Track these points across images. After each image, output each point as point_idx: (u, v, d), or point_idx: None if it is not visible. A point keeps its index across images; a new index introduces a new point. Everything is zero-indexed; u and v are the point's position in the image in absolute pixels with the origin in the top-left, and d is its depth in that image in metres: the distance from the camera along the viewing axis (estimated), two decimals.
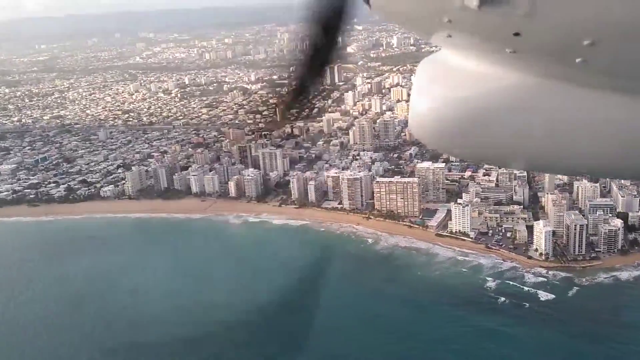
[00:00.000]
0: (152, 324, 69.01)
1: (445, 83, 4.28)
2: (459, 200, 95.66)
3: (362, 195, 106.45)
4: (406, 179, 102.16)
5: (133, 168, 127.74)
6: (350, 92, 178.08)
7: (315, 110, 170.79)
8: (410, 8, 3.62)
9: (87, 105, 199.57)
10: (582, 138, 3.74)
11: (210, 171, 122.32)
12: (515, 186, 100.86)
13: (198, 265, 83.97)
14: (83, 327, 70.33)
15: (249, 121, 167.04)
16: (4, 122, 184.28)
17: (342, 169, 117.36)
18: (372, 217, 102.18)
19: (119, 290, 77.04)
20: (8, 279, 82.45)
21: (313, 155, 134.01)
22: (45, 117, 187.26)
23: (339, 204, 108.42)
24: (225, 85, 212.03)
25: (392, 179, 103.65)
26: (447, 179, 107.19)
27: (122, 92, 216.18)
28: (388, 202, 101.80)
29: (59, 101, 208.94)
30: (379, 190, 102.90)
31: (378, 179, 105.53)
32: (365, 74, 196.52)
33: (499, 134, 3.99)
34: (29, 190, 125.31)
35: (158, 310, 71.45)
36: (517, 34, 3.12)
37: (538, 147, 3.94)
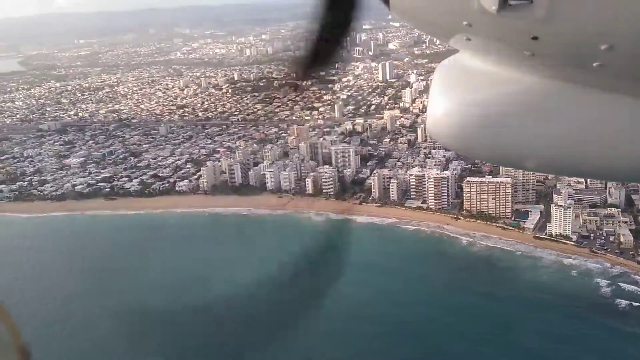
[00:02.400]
0: None
1: (463, 85, 4.23)
2: (559, 202, 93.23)
3: (448, 195, 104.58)
4: (498, 179, 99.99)
5: (208, 163, 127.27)
6: (407, 89, 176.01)
7: (373, 107, 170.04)
8: (429, 11, 3.55)
9: (140, 100, 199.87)
10: (600, 141, 3.72)
11: (285, 168, 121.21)
12: (610, 188, 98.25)
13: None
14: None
15: (306, 117, 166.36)
16: (61, 115, 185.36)
17: (417, 167, 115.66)
18: (461, 217, 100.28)
19: (234, 283, 75.60)
20: (116, 270, 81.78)
21: (383, 153, 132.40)
22: (101, 111, 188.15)
23: (422, 203, 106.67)
24: (275, 82, 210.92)
25: (483, 179, 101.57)
26: None
27: (172, 87, 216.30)
28: (478, 203, 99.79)
29: (110, 95, 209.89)
30: (469, 189, 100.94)
31: (468, 178, 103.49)
32: (415, 71, 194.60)
33: (516, 137, 3.96)
34: (102, 183, 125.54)
35: None
36: (535, 38, 3.13)
37: (555, 150, 3.90)
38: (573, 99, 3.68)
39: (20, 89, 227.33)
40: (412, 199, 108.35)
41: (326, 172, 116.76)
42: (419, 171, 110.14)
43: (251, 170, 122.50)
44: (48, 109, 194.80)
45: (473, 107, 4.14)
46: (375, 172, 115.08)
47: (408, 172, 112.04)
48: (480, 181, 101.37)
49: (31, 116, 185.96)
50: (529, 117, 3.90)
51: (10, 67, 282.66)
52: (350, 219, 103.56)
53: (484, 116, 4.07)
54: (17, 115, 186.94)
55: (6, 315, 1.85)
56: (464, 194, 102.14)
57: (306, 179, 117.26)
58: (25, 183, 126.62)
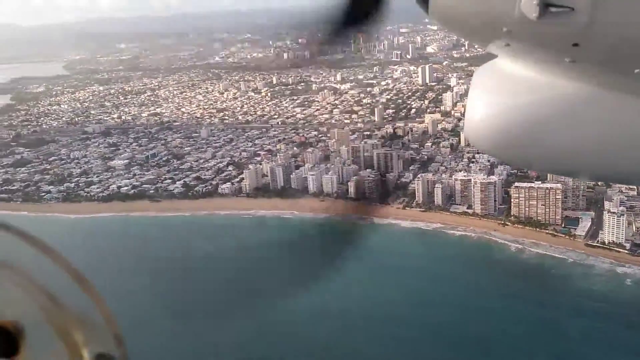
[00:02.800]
0: None
1: (501, 91, 4.22)
2: (611, 209, 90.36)
3: (495, 200, 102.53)
4: (547, 185, 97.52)
5: (250, 166, 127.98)
6: (448, 92, 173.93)
7: (413, 110, 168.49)
8: (468, 17, 3.54)
9: (180, 104, 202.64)
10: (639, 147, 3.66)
11: (328, 171, 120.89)
12: None
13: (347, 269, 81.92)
14: None
15: (346, 121, 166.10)
16: (105, 118, 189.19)
17: (462, 172, 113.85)
18: (508, 223, 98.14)
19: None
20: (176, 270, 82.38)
21: (425, 157, 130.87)
22: (143, 115, 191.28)
23: (467, 208, 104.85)
24: (314, 85, 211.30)
25: (532, 184, 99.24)
26: None
27: (212, 90, 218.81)
28: (527, 209, 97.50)
29: (152, 99, 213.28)
30: (517, 195, 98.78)
31: (517, 184, 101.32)
32: (455, 74, 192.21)
33: (555, 142, 3.94)
34: (147, 185, 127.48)
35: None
36: (576, 45, 3.13)
37: (594, 156, 3.87)
38: (613, 105, 3.62)
39: (65, 92, 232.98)
40: (457, 204, 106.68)
41: (369, 176, 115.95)
42: (465, 176, 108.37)
43: (293, 173, 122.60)
44: (92, 112, 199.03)
45: (512, 113, 4.07)
46: (419, 176, 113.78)
47: (453, 176, 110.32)
48: (529, 187, 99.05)
49: (76, 119, 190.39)
50: (568, 123, 3.85)
51: (55, 72, 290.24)
52: (394, 223, 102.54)
53: (523, 121, 4.00)
54: (63, 118, 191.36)
55: (99, 298, 1.90)
56: (512, 200, 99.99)
57: (348, 183, 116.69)
58: (73, 184, 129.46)
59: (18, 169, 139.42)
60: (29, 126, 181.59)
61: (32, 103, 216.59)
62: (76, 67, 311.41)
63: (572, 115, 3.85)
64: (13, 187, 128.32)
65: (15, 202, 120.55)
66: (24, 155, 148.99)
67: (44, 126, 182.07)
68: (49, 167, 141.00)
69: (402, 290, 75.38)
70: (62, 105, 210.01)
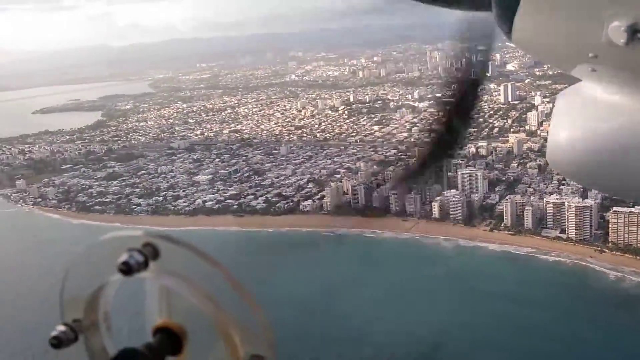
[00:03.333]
0: None
1: (586, 115, 4.19)
2: None
3: (590, 225, 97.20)
4: None
5: (331, 184, 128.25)
6: (532, 111, 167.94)
7: (496, 129, 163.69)
8: (552, 43, 3.54)
9: (260, 121, 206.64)
10: None
11: (410, 191, 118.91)
12: None
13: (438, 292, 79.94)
14: None
15: (426, 140, 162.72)
16: (189, 135, 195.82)
17: (554, 195, 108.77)
18: (606, 250, 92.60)
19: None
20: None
21: (511, 178, 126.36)
22: (224, 131, 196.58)
23: (560, 233, 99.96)
24: (391, 103, 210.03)
25: (632, 209, 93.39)
26: None
27: (290, 108, 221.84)
28: (626, 235, 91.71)
29: (232, 116, 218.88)
30: (615, 220, 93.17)
31: (615, 208, 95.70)
32: (539, 93, 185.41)
33: None
34: (230, 200, 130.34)
35: None
36: None
37: None
38: None
39: (151, 109, 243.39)
40: (549, 228, 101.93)
41: (454, 197, 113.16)
42: (557, 198, 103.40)
43: (375, 192, 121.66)
44: (177, 128, 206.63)
45: (597, 137, 3.95)
46: (507, 197, 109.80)
47: (544, 199, 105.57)
48: (629, 212, 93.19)
49: (162, 135, 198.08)
50: None
51: (142, 90, 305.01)
52: (481, 247, 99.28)
53: (609, 147, 3.87)
54: (150, 134, 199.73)
55: (256, 306, 2.06)
56: (610, 225, 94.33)
57: (432, 203, 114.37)
58: (161, 198, 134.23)
59: (110, 182, 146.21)
60: (118, 141, 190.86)
61: (121, 119, 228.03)
62: (161, 86, 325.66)
63: None
64: (106, 200, 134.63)
65: (109, 214, 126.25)
66: (115, 169, 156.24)
67: (133, 141, 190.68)
68: (138, 180, 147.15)
69: (499, 316, 72.38)
70: (148, 122, 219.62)
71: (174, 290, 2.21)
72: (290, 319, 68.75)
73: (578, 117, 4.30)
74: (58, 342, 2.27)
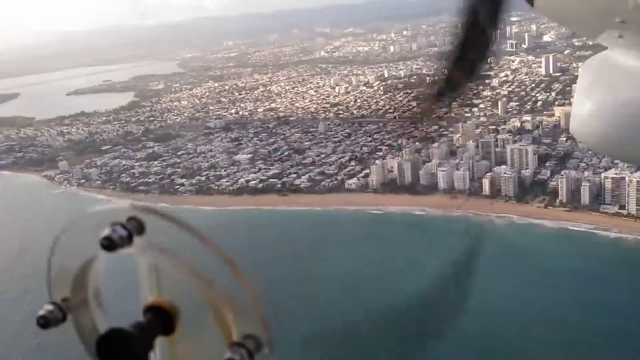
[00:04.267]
0: None
1: (613, 84, 4.08)
2: None
3: None
4: None
5: (377, 162, 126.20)
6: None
7: (539, 103, 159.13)
8: (577, 8, 3.41)
9: (294, 99, 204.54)
10: None
11: (460, 167, 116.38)
12: None
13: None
14: None
15: (466, 114, 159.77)
16: (224, 114, 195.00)
17: (613, 169, 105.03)
18: None
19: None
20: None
21: (562, 153, 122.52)
22: (259, 110, 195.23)
23: (619, 209, 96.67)
24: (427, 78, 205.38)
25: None
26: None
27: (323, 85, 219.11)
28: None
29: (265, 94, 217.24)
30: None
31: None
32: (581, 64, 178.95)
33: None
34: (273, 180, 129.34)
35: None
36: None
37: None
38: None
39: (183, 89, 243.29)
40: (607, 204, 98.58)
41: (505, 173, 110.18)
42: (617, 173, 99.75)
43: (422, 169, 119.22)
44: (211, 107, 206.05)
45: (625, 107, 3.81)
46: (562, 173, 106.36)
47: (602, 174, 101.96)
48: None
49: (197, 114, 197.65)
50: None
51: (171, 69, 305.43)
52: (537, 224, 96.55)
53: (634, 116, 3.71)
54: (185, 114, 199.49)
55: (249, 283, 2.02)
56: None
57: (483, 180, 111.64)
58: (203, 177, 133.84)
59: (151, 162, 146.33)
60: (154, 121, 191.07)
61: (154, 99, 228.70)
62: (190, 65, 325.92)
63: None
64: (149, 180, 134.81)
65: (153, 195, 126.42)
66: (154, 149, 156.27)
67: (168, 121, 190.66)
68: (178, 160, 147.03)
69: (570, 293, 70.30)
70: (182, 102, 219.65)
71: (161, 267, 2.15)
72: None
73: (605, 86, 4.12)
74: (45, 322, 2.19)
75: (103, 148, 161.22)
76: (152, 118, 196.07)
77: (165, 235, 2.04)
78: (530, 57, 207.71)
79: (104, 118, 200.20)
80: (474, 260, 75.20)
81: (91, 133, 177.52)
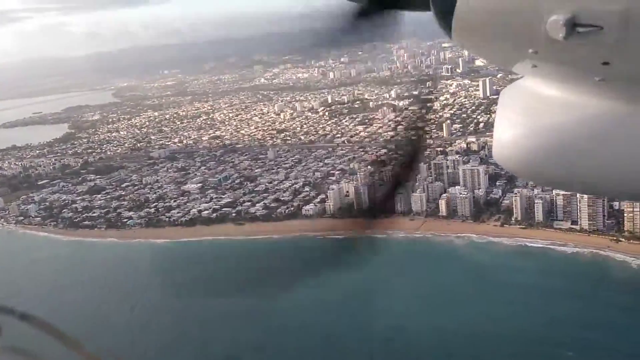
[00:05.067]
0: None
1: (529, 111, 4.21)
2: None
3: (603, 215, 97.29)
4: None
5: (333, 187, 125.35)
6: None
7: (481, 124, 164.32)
8: (492, 40, 3.53)
9: (238, 126, 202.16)
10: None
11: (416, 189, 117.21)
12: None
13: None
14: None
15: (413, 138, 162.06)
16: (167, 143, 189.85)
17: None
18: (622, 239, 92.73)
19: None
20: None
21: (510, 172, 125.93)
22: (204, 138, 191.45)
23: (572, 224, 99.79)
24: (371, 103, 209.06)
25: None
26: None
27: (267, 112, 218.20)
28: None
29: (208, 123, 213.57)
30: (631, 209, 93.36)
31: None
32: None
33: (586, 162, 3.91)
34: (227, 208, 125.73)
35: None
36: (606, 63, 3.07)
37: (627, 175, 3.83)
38: None
39: (121, 119, 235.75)
40: (560, 220, 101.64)
41: (460, 193, 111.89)
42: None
43: (379, 192, 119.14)
44: (153, 137, 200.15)
45: (541, 133, 3.98)
46: (516, 191, 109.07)
47: (554, 191, 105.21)
48: None
49: (138, 145, 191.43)
50: (599, 142, 3.75)
51: (106, 99, 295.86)
52: (496, 242, 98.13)
53: (553, 142, 3.90)
54: (125, 144, 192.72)
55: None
56: (625, 214, 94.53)
57: (439, 201, 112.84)
58: (152, 209, 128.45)
59: (94, 195, 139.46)
60: (93, 153, 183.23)
61: (91, 131, 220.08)
62: (125, 94, 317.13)
63: (604, 134, 3.70)
64: (94, 215, 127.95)
65: (100, 229, 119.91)
66: (96, 182, 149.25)
67: (108, 153, 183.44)
68: (124, 193, 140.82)
69: (541, 308, 71.19)
70: (120, 132, 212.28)
71: None
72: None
73: (521, 114, 4.18)
74: None
75: (39, 182, 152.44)
76: (90, 150, 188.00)
77: (23, 335, 1.81)
78: (466, 81, 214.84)
79: (38, 151, 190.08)
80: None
81: (25, 167, 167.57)
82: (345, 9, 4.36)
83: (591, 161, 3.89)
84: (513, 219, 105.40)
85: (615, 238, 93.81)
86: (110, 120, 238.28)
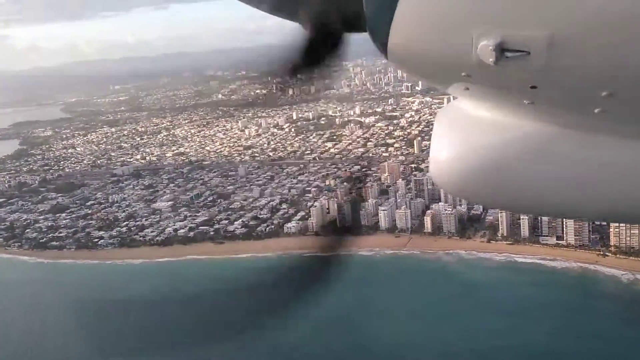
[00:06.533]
0: None
1: (463, 132, 4.31)
2: None
3: (589, 230, 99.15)
4: None
5: (316, 204, 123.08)
6: None
7: None
8: (426, 62, 3.61)
9: (202, 142, 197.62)
10: (603, 184, 3.80)
11: (401, 206, 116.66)
12: None
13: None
14: None
15: (384, 154, 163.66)
16: (129, 160, 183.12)
17: None
18: (609, 254, 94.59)
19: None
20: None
21: None
22: (168, 154, 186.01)
23: (557, 239, 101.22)
24: (337, 119, 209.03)
25: None
26: None
27: (231, 128, 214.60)
28: (628, 238, 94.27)
29: (170, 139, 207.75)
30: (617, 224, 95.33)
31: None
32: None
33: (518, 182, 4.04)
34: (203, 227, 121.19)
35: None
36: (534, 87, 3.20)
37: (555, 193, 3.98)
38: (574, 143, 3.66)
39: (75, 135, 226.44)
40: (545, 236, 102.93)
41: (445, 210, 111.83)
42: None
43: (362, 209, 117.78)
44: (112, 153, 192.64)
45: (475, 154, 4.08)
46: None
47: None
48: None
49: (98, 161, 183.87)
50: (530, 162, 3.89)
51: (56, 115, 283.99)
52: (485, 258, 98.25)
53: (486, 162, 4.01)
54: (84, 161, 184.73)
55: None
56: (611, 230, 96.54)
57: (424, 217, 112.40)
58: (124, 229, 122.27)
59: (58, 214, 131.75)
60: (50, 170, 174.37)
61: (44, 147, 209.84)
62: (76, 110, 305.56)
63: (534, 155, 3.84)
64: (61, 235, 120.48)
65: (69, 250, 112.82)
66: (58, 200, 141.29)
67: (67, 170, 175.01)
68: (89, 211, 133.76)
69: (545, 323, 71.13)
70: (77, 149, 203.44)
71: None
72: None
73: (455, 134, 4.27)
74: None
75: None
76: (46, 167, 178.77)
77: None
78: (427, 99, 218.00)
79: None
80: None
81: None
82: (296, 41, 4.20)
83: (521, 180, 3.95)
84: (499, 234, 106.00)
85: (601, 253, 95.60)
86: (64, 136, 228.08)
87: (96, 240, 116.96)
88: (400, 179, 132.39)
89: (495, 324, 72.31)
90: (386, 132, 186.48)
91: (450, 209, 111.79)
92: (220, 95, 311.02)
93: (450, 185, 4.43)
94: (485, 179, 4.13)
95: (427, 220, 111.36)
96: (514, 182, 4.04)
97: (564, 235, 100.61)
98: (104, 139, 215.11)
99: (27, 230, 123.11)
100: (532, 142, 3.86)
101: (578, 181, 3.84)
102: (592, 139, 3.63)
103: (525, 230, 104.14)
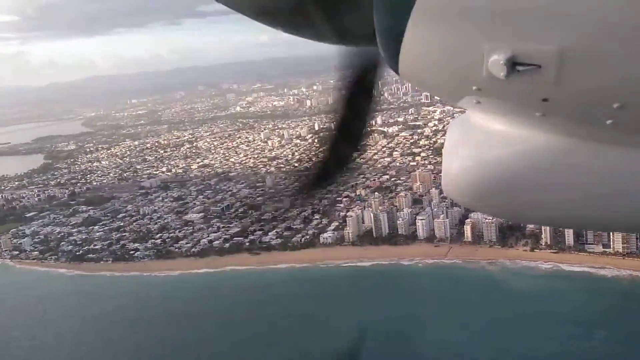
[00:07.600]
0: None
1: (476, 144, 4.34)
2: None
3: (637, 238, 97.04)
4: None
5: (351, 214, 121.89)
6: None
7: None
8: (437, 77, 3.66)
9: (226, 154, 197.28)
10: (616, 195, 3.81)
11: (439, 215, 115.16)
12: None
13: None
14: None
15: (411, 163, 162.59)
16: (155, 172, 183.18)
17: None
18: None
19: None
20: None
21: None
22: (193, 167, 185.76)
23: (604, 247, 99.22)
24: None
25: None
26: None
27: (254, 140, 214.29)
28: None
29: (193, 151, 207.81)
30: None
31: None
32: None
33: (531, 194, 4.07)
34: (238, 238, 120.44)
35: None
36: (545, 100, 3.24)
37: (568, 204, 4.02)
38: (586, 155, 3.65)
39: (99, 148, 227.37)
40: (591, 244, 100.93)
41: (486, 218, 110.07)
42: None
43: (400, 219, 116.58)
44: (138, 166, 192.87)
45: (487, 166, 4.07)
46: None
47: None
48: None
49: (124, 174, 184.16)
50: (542, 174, 3.88)
51: (77, 129, 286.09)
52: (533, 267, 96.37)
53: (499, 175, 4.01)
54: (111, 174, 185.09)
55: None
56: None
57: (465, 226, 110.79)
58: (158, 240, 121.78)
59: (90, 227, 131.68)
60: (78, 184, 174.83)
61: (69, 161, 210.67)
62: (96, 124, 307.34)
63: (547, 167, 3.82)
64: (96, 247, 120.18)
65: (106, 262, 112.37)
66: (90, 213, 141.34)
67: (94, 183, 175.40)
68: (122, 224, 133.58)
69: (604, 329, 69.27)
70: (102, 162, 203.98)
71: None
72: None
73: (467, 146, 4.29)
74: None
75: (27, 215, 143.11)
76: (74, 180, 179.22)
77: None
78: (448, 107, 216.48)
79: (17, 182, 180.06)
80: None
81: (7, 199, 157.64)
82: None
83: (534, 192, 3.96)
84: (542, 243, 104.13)
85: None
86: (87, 150, 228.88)
87: (132, 252, 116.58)
88: (434, 188, 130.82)
89: (556, 332, 70.51)
90: (411, 141, 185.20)
91: (491, 218, 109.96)
92: (238, 108, 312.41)
93: (463, 198, 4.38)
94: (498, 191, 4.08)
95: (467, 229, 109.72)
96: (526, 193, 3.98)
97: (611, 243, 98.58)
98: (128, 152, 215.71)
99: (62, 243, 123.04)
100: (543, 154, 3.81)
101: (590, 192, 3.79)
102: (604, 150, 3.58)
103: (569, 239, 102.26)
